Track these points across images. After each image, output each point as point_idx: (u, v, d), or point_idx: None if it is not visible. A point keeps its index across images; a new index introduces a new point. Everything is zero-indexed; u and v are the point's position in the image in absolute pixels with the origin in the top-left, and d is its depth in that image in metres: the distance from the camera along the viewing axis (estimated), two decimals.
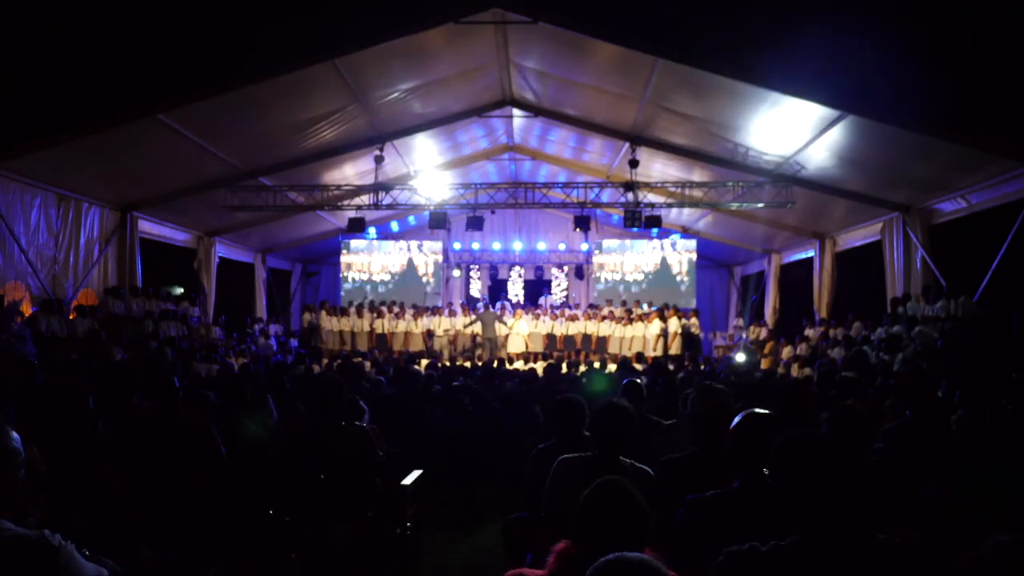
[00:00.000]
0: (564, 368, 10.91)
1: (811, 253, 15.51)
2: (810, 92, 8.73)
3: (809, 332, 14.85)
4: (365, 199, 14.01)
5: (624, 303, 18.55)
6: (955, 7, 6.86)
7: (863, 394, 5.86)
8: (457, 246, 20.61)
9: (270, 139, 11.53)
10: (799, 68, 8.32)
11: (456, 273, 20.38)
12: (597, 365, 14.49)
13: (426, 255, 19.76)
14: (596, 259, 19.68)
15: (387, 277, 19.60)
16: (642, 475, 3.01)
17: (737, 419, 2.51)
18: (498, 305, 18.22)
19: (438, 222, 14.30)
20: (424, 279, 19.68)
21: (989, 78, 7.36)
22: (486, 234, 18.86)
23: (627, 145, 12.90)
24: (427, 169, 15.50)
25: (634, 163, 12.89)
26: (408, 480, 4.76)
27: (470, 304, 18.64)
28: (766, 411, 2.59)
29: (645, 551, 1.88)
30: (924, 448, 3.40)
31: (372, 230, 18.59)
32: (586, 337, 16.91)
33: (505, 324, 16.63)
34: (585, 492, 2.03)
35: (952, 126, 8.32)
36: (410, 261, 19.72)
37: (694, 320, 17.25)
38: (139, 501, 3.04)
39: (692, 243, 19.05)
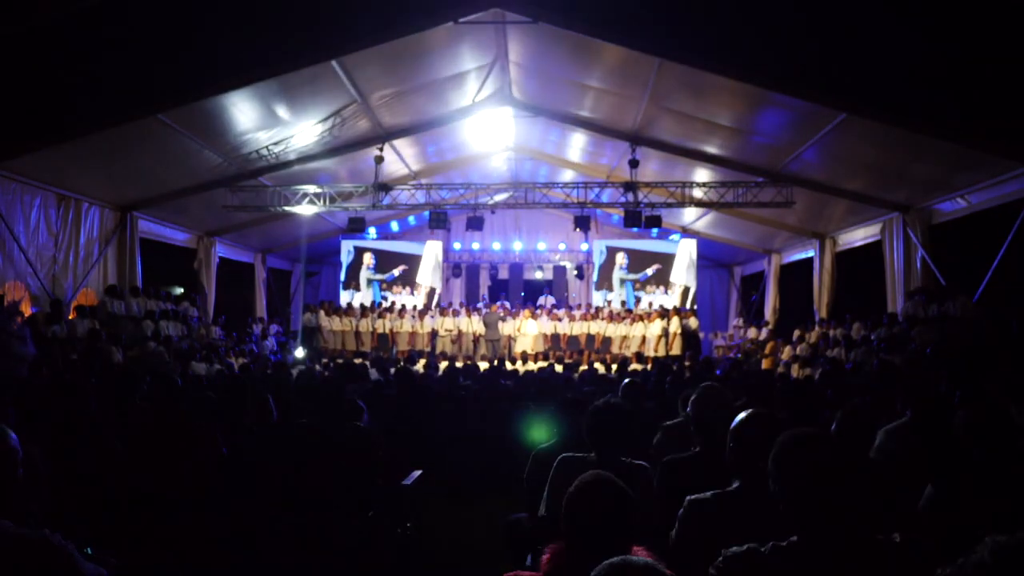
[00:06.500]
0: (559, 368, 10.90)
1: (811, 253, 15.52)
2: (810, 92, 8.73)
3: (802, 332, 14.85)
4: (365, 199, 14.02)
5: (624, 303, 18.53)
6: (956, 6, 6.86)
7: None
8: (457, 246, 20.63)
9: (270, 139, 11.52)
10: (799, 68, 8.32)
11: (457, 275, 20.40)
12: (598, 366, 14.48)
13: (426, 255, 19.76)
14: (596, 259, 19.69)
15: (387, 277, 19.61)
16: (640, 472, 3.01)
17: (737, 419, 2.51)
18: (499, 304, 18.23)
19: (438, 222, 14.30)
20: (424, 279, 19.68)
21: (990, 78, 7.36)
22: (486, 234, 18.87)
23: (627, 145, 12.90)
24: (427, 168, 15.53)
25: (634, 163, 12.90)
26: (408, 480, 4.75)
27: (470, 304, 18.63)
28: (766, 411, 2.59)
29: (634, 549, 1.88)
30: (924, 448, 3.39)
31: (372, 230, 18.60)
32: (589, 337, 16.90)
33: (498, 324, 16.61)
34: (569, 490, 2.03)
35: (952, 126, 8.32)
36: (410, 261, 19.73)
37: (693, 319, 17.25)
38: (140, 502, 3.04)
39: (692, 243, 19.06)
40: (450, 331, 16.95)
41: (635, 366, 13.19)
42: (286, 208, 13.68)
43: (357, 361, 11.57)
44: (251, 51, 8.33)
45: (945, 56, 7.24)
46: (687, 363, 14.03)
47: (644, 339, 16.67)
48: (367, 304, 18.04)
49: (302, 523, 3.45)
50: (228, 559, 3.11)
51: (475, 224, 14.66)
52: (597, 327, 16.91)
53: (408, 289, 19.53)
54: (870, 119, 8.79)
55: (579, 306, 18.46)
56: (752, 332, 17.44)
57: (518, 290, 21.00)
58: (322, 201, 13.90)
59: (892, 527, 1.88)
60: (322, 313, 16.92)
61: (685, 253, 19.11)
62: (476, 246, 20.54)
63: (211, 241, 15.19)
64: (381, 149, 12.90)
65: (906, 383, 4.02)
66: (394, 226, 20.19)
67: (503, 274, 21.06)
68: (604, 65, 10.45)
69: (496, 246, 20.55)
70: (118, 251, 12.51)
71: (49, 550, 1.70)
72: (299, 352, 15.36)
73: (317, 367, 11.75)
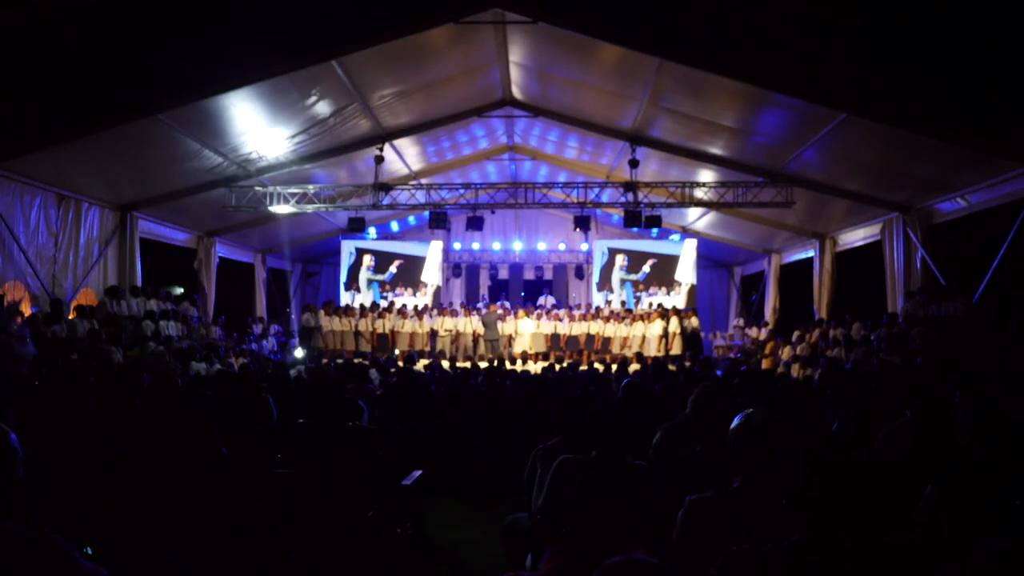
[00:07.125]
0: (558, 367, 10.89)
1: (811, 253, 15.52)
2: (810, 92, 8.73)
3: (802, 332, 14.84)
4: (365, 199, 14.02)
5: (624, 303, 18.53)
6: (956, 6, 6.86)
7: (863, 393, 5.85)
8: (457, 246, 20.64)
9: (270, 139, 11.53)
10: (799, 68, 8.33)
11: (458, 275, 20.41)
12: (598, 366, 14.48)
13: (426, 255, 19.76)
14: (596, 259, 19.70)
15: (387, 277, 19.62)
16: (640, 472, 3.01)
17: (737, 419, 2.51)
18: (498, 304, 18.22)
19: (438, 222, 14.31)
20: (424, 279, 19.69)
21: (989, 78, 7.36)
22: (486, 234, 18.89)
23: (627, 145, 12.91)
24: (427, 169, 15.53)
25: (634, 163, 12.90)
26: (408, 480, 4.76)
27: (470, 304, 18.63)
28: (766, 411, 2.58)
29: (635, 549, 1.88)
30: (924, 448, 3.39)
31: (372, 230, 18.60)
32: (589, 337, 16.90)
33: (497, 325, 16.60)
34: (571, 491, 2.03)
35: (952, 126, 8.32)
36: (410, 261, 19.73)
37: (694, 318, 17.24)
38: (140, 501, 3.04)
39: (692, 243, 19.07)
40: (449, 331, 16.94)
41: (635, 366, 13.18)
42: (286, 208, 13.68)
43: (357, 361, 11.56)
44: (251, 51, 8.33)
45: (945, 57, 7.24)
46: (687, 363, 14.04)
47: (644, 339, 16.66)
48: (367, 304, 18.05)
49: (303, 522, 3.45)
50: (229, 559, 3.11)
51: (475, 224, 14.66)
52: (597, 327, 16.90)
53: (411, 290, 19.53)
54: (870, 119, 8.80)
55: (579, 306, 18.46)
56: (752, 332, 17.44)
57: (518, 290, 21.01)
58: (322, 201, 13.90)
59: (892, 527, 1.88)
60: (322, 313, 16.91)
61: (690, 252, 19.12)
62: (476, 246, 20.55)
63: (211, 241, 15.19)
64: (381, 149, 12.90)
65: (906, 383, 4.02)
66: (394, 226, 20.20)
67: (503, 274, 21.07)
68: (604, 65, 10.45)
69: (496, 246, 20.56)
70: (118, 251, 12.50)
71: (49, 550, 1.70)
72: (299, 352, 15.36)
73: (317, 367, 11.75)
